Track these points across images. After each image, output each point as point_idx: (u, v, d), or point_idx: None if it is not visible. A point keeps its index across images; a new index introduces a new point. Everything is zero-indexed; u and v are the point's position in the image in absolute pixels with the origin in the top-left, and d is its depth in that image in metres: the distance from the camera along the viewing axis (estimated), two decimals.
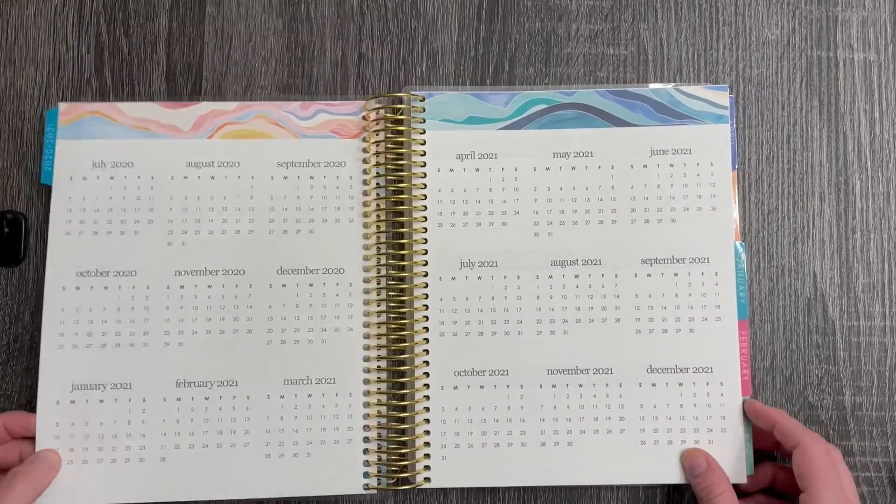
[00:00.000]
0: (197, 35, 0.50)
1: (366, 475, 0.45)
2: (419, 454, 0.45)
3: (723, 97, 0.48)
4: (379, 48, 0.50)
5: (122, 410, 0.45)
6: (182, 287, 0.46)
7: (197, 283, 0.46)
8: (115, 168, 0.47)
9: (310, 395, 0.45)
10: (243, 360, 0.45)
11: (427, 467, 0.45)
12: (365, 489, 0.45)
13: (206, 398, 0.45)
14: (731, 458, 0.45)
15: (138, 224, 0.46)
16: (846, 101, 0.49)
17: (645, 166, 0.47)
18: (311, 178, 0.47)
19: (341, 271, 0.46)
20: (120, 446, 0.44)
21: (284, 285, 0.46)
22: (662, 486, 0.47)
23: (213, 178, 0.47)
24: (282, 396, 0.45)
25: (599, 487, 0.47)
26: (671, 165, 0.47)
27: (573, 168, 0.48)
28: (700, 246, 0.47)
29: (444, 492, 0.47)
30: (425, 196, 0.47)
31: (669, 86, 0.48)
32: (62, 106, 0.47)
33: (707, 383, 0.46)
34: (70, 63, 0.50)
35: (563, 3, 0.50)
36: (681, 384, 0.46)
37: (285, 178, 0.47)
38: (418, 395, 0.46)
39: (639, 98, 0.48)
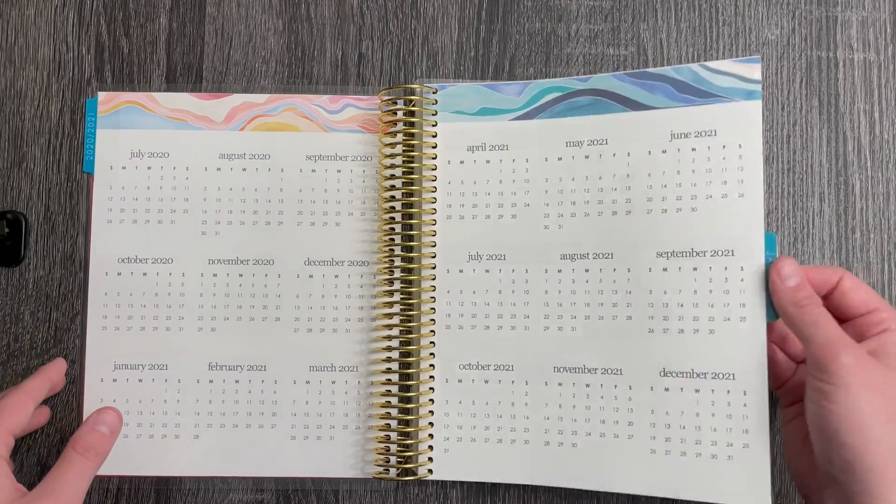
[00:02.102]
0: (197, 35, 0.50)
1: (376, 463, 0.46)
2: (423, 446, 0.45)
3: (754, 70, 0.43)
4: (379, 48, 0.50)
5: (158, 390, 0.47)
6: (215, 275, 0.47)
7: (229, 271, 0.47)
8: (151, 158, 0.48)
9: (333, 382, 0.47)
10: (271, 347, 0.47)
11: (430, 459, 0.45)
12: (376, 477, 0.46)
13: (237, 381, 0.47)
14: (753, 477, 0.41)
15: (174, 214, 0.48)
16: (846, 101, 0.49)
17: (664, 151, 0.44)
18: (339, 171, 0.48)
19: (365, 264, 0.47)
20: (157, 423, 0.47)
21: (311, 276, 0.47)
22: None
23: (244, 170, 0.48)
24: (307, 382, 0.47)
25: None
26: (693, 150, 0.44)
27: (586, 157, 0.46)
28: (724, 237, 0.43)
29: (445, 489, 0.47)
30: (435, 189, 0.47)
31: (694, 64, 0.45)
32: (101, 95, 0.49)
33: (728, 391, 0.42)
34: (70, 63, 0.50)
35: (563, 3, 0.50)
36: (697, 391, 0.42)
37: (314, 171, 0.48)
38: (423, 388, 0.46)
39: (659, 79, 0.45)
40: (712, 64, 0.44)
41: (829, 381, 0.37)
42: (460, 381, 0.46)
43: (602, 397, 0.44)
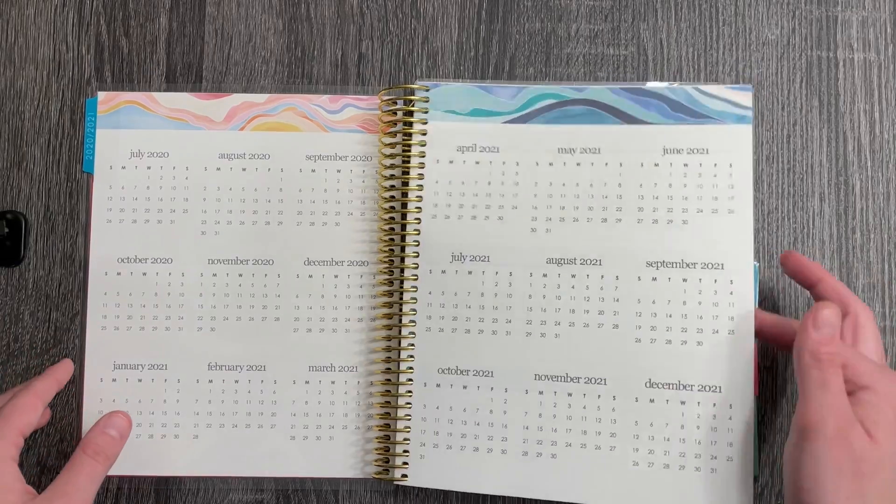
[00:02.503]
0: (197, 35, 0.50)
1: (376, 463, 0.46)
2: (399, 450, 0.45)
3: (746, 97, 0.45)
4: (379, 48, 0.50)
5: (158, 390, 0.47)
6: (215, 275, 0.47)
7: (228, 271, 0.47)
8: (151, 158, 0.48)
9: (333, 382, 0.47)
10: (271, 347, 0.47)
11: (405, 464, 0.45)
12: (376, 477, 0.46)
13: (236, 381, 0.47)
14: (736, 491, 0.41)
15: (174, 213, 0.48)
16: (846, 101, 0.49)
17: (656, 165, 0.45)
18: (339, 171, 0.48)
19: (365, 264, 0.47)
20: (156, 423, 0.47)
21: (311, 276, 0.47)
22: None
23: (244, 169, 0.48)
24: (307, 382, 0.47)
25: None
26: (685, 165, 0.44)
27: (578, 164, 0.45)
28: (714, 251, 0.43)
29: (445, 490, 0.47)
30: (422, 188, 0.47)
31: (688, 85, 0.46)
32: (101, 95, 0.49)
33: (714, 404, 0.42)
34: (70, 63, 0.50)
35: (563, 3, 0.50)
36: (683, 402, 0.42)
37: (313, 171, 0.48)
38: (402, 390, 0.45)
39: (654, 96, 0.45)
40: (706, 87, 0.45)
41: (802, 446, 0.36)
42: (438, 385, 0.45)
43: (584, 407, 0.43)
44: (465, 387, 0.45)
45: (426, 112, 0.47)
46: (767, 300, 0.48)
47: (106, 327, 0.47)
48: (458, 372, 0.45)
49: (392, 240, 0.47)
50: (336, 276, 0.47)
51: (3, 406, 0.41)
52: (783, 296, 0.48)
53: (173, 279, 0.47)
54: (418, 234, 0.46)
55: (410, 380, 0.45)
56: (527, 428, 0.44)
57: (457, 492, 0.46)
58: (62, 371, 0.45)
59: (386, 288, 0.47)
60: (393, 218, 0.47)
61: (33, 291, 0.48)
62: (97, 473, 0.41)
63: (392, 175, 0.47)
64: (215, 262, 0.47)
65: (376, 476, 0.45)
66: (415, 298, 0.46)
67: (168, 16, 0.50)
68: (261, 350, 0.47)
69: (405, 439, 0.45)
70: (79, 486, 0.40)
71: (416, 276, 0.46)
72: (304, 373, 0.47)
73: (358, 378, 0.47)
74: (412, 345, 0.46)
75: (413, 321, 0.46)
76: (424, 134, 0.47)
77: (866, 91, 0.49)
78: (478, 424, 0.44)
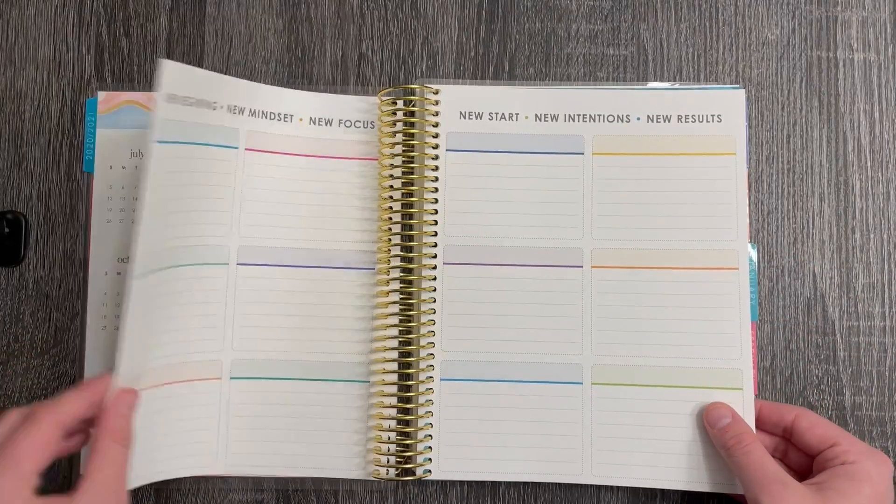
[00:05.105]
0: (197, 35, 0.50)
1: (376, 463, 0.45)
2: (422, 447, 0.45)
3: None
4: (379, 48, 0.50)
5: None
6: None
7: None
8: None
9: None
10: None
11: (430, 459, 0.45)
12: (375, 477, 0.45)
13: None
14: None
15: None
16: (846, 101, 0.49)
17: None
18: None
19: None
20: None
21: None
22: (663, 490, 0.46)
23: None
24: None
25: (599, 487, 0.47)
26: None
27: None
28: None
29: (445, 489, 0.47)
30: (436, 189, 0.47)
31: (675, 85, 0.46)
32: (101, 95, 0.48)
33: None
34: (70, 63, 0.50)
35: (563, 3, 0.50)
36: None
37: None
38: (422, 388, 0.46)
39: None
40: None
41: None
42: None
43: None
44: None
45: (436, 115, 0.47)
46: (766, 301, 0.48)
47: (106, 327, 0.47)
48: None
49: (390, 240, 0.47)
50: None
51: (18, 433, 0.36)
52: (783, 295, 0.48)
53: None
54: (435, 234, 0.47)
55: (430, 377, 0.46)
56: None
57: (461, 485, 0.47)
58: (96, 389, 0.39)
59: (389, 288, 0.47)
60: (392, 218, 0.47)
61: (33, 291, 0.48)
62: (126, 458, 0.38)
63: (392, 175, 0.47)
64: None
65: (376, 476, 0.45)
66: (434, 298, 0.46)
67: (168, 16, 0.50)
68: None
69: (428, 436, 0.45)
70: (120, 477, 0.37)
71: (434, 276, 0.46)
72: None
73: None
74: (432, 343, 0.46)
75: (433, 320, 0.46)
76: (436, 136, 0.47)
77: (866, 91, 0.49)
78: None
